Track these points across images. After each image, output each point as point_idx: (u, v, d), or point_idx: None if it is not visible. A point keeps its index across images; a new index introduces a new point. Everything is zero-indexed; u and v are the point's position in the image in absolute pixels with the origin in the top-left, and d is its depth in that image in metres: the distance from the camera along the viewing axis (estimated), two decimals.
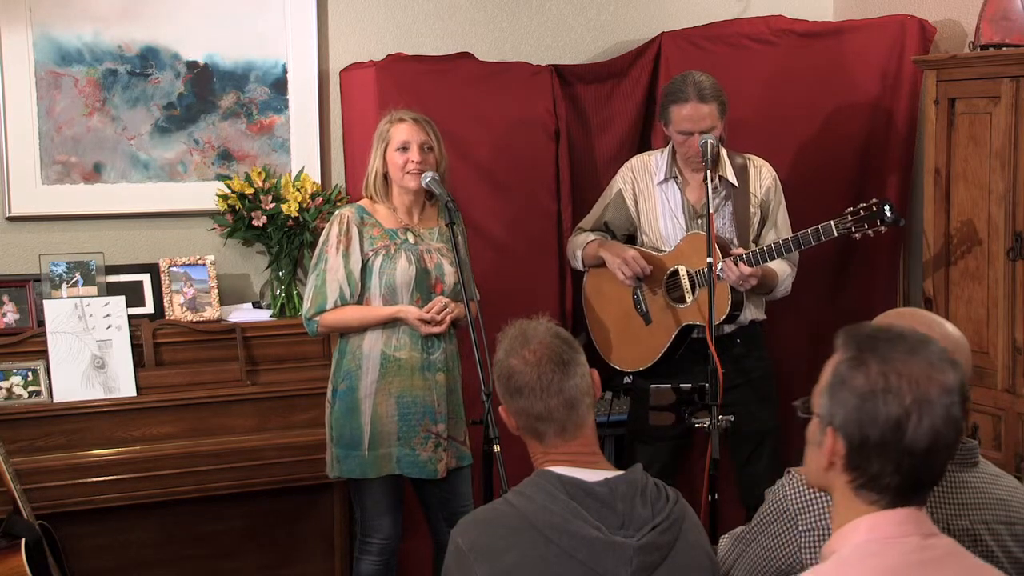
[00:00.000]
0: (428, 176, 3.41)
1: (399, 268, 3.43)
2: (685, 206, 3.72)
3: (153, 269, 3.99)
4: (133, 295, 3.91)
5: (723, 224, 3.69)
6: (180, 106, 4.07)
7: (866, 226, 3.38)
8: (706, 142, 3.52)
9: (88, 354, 3.72)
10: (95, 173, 4.00)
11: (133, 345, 3.76)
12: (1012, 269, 3.59)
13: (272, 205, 3.99)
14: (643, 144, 4.30)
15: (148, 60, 4.02)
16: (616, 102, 4.32)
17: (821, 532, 2.04)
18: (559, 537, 2.01)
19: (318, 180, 4.17)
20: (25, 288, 3.82)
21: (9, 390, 3.65)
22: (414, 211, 3.52)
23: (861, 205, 3.40)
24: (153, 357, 3.81)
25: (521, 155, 4.21)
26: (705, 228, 3.43)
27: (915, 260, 4.35)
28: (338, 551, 4.02)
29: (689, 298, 3.63)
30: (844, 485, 1.70)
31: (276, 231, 4.02)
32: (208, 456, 3.73)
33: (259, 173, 4.05)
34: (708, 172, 3.47)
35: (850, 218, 3.40)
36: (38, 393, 3.67)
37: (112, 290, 3.89)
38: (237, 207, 4.00)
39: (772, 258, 3.53)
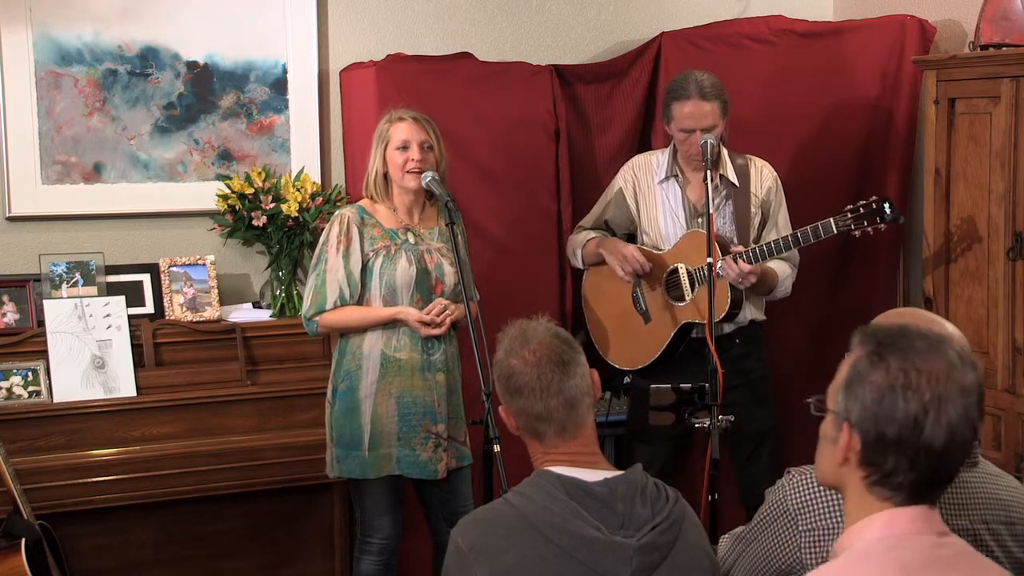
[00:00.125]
0: (428, 176, 3.41)
1: (399, 269, 3.43)
2: (686, 205, 3.72)
3: (153, 269, 3.99)
4: (133, 295, 3.92)
5: (723, 223, 3.70)
6: (180, 106, 4.07)
7: (865, 223, 3.38)
8: (706, 142, 3.52)
9: (88, 354, 3.72)
10: (95, 173, 4.00)
11: (133, 345, 3.77)
12: (1012, 269, 3.59)
13: (272, 205, 3.99)
14: (643, 144, 4.30)
15: (148, 60, 4.02)
16: (616, 102, 4.32)
17: (821, 532, 2.04)
18: (559, 537, 2.01)
19: (318, 180, 4.17)
20: (25, 288, 3.82)
21: (9, 390, 3.65)
22: (414, 211, 3.52)
23: (861, 202, 3.40)
24: (153, 357, 3.81)
25: (521, 155, 4.21)
26: (705, 227, 3.43)
27: (915, 260, 4.35)
28: (338, 551, 4.02)
29: (688, 296, 3.64)
30: (858, 481, 1.70)
31: (276, 231, 4.02)
32: (208, 456, 3.73)
33: (259, 173, 4.05)
34: (708, 172, 3.47)
35: (850, 215, 3.40)
36: (38, 393, 3.67)
37: (112, 290, 3.89)
38: (237, 207, 4.00)
39: (772, 255, 3.54)
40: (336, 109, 4.25)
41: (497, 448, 2.99)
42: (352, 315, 3.44)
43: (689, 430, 3.39)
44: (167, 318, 3.92)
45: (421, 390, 3.44)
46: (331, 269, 3.43)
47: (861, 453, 1.68)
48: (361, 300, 3.46)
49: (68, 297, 3.80)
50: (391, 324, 3.43)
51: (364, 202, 3.54)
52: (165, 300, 3.95)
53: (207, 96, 4.09)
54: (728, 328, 3.68)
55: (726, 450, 3.67)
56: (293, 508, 3.98)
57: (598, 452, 2.18)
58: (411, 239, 3.48)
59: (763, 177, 3.76)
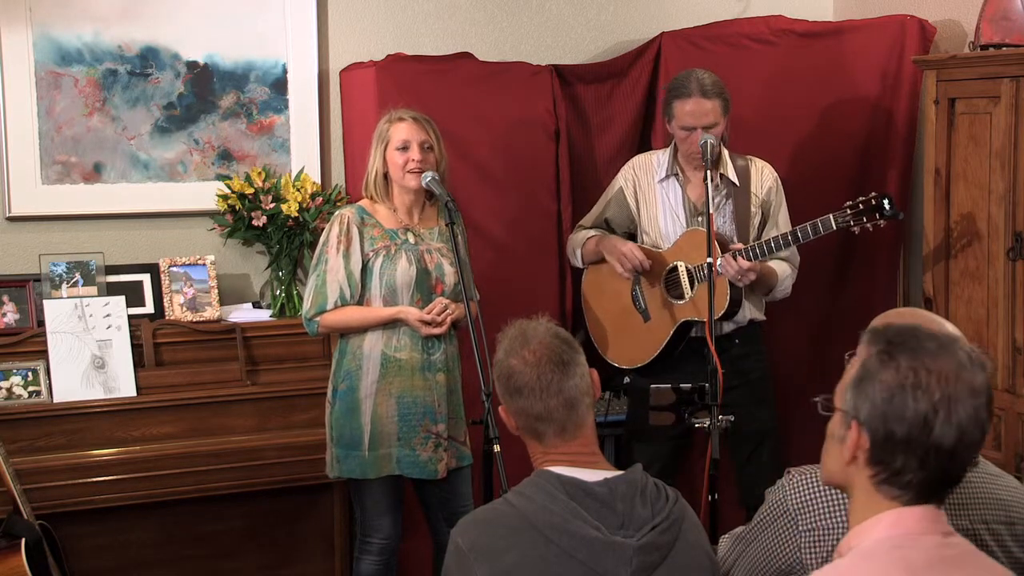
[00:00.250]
0: (428, 176, 3.41)
1: (399, 269, 3.43)
2: (686, 204, 3.73)
3: (153, 269, 3.99)
4: (133, 295, 3.92)
5: (723, 223, 3.70)
6: (180, 106, 4.07)
7: (865, 219, 3.38)
8: (706, 142, 3.52)
9: (88, 354, 3.72)
10: (95, 173, 4.00)
11: (133, 345, 3.77)
12: (1012, 269, 3.59)
13: (272, 205, 3.99)
14: (643, 144, 4.30)
15: (148, 60, 4.02)
16: (616, 102, 4.32)
17: (821, 532, 2.04)
18: (559, 537, 2.01)
19: (318, 180, 4.17)
20: (25, 288, 3.82)
21: (9, 390, 3.65)
22: (414, 211, 3.52)
23: (860, 199, 3.40)
24: (153, 357, 3.81)
25: (521, 155, 4.21)
26: (705, 226, 3.43)
27: (915, 260, 4.35)
28: (338, 551, 4.02)
29: (687, 294, 3.64)
30: (865, 480, 1.70)
31: (276, 231, 4.02)
32: (208, 456, 3.73)
33: (259, 173, 4.05)
34: (708, 172, 3.47)
35: (849, 211, 3.40)
36: (38, 393, 3.67)
37: (112, 290, 3.89)
38: (237, 207, 4.00)
39: (771, 252, 3.54)
40: (336, 109, 4.25)
41: (497, 448, 2.99)
42: (353, 315, 3.44)
43: (689, 430, 3.39)
44: (167, 318, 3.92)
45: (421, 390, 3.44)
46: (331, 269, 3.43)
47: (870, 452, 1.68)
48: (361, 300, 3.46)
49: (68, 297, 3.80)
50: (391, 324, 3.43)
51: (364, 202, 3.54)
52: (165, 300, 3.95)
53: (207, 96, 4.09)
54: (728, 328, 3.68)
55: (726, 450, 3.67)
56: (293, 508, 3.98)
57: (598, 452, 2.18)
58: (411, 239, 3.49)
59: (763, 177, 3.76)
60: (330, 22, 4.22)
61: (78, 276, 3.86)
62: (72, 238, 4.00)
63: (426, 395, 3.44)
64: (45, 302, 3.74)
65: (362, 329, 3.45)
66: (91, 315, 3.75)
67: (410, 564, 3.99)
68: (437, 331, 3.42)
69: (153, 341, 3.81)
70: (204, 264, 4.02)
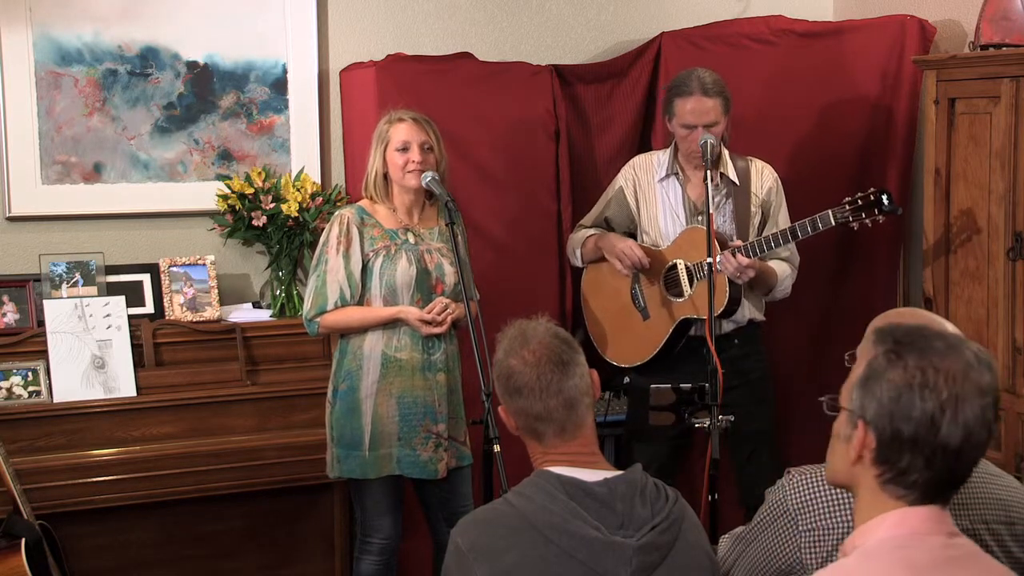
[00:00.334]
0: (428, 176, 3.41)
1: (400, 269, 3.43)
2: (686, 203, 3.73)
3: (153, 269, 3.99)
4: (133, 295, 3.92)
5: (723, 222, 3.70)
6: (180, 106, 4.07)
7: (863, 215, 3.38)
8: (706, 142, 3.52)
9: (88, 354, 3.72)
10: (95, 173, 4.00)
11: (133, 345, 3.77)
12: (1012, 269, 3.59)
13: (272, 205, 3.99)
14: (643, 144, 4.30)
15: (148, 60, 4.02)
16: (616, 102, 4.32)
17: (821, 532, 2.04)
18: (559, 537, 2.01)
19: (318, 180, 4.17)
20: (25, 288, 3.82)
21: (9, 390, 3.65)
22: (414, 211, 3.52)
23: (859, 194, 3.39)
24: (153, 357, 3.81)
25: (521, 155, 4.21)
26: (705, 225, 3.43)
27: (915, 260, 4.35)
28: (338, 551, 4.02)
29: (686, 292, 3.64)
30: (871, 480, 1.70)
31: (276, 231, 4.02)
32: (208, 456, 3.73)
33: (259, 173, 4.05)
34: (708, 172, 3.47)
35: (848, 207, 3.40)
36: (38, 393, 3.67)
37: (112, 290, 3.89)
38: (237, 207, 4.00)
39: (770, 248, 3.53)
40: (336, 109, 4.25)
41: (497, 448, 2.99)
42: (353, 315, 3.44)
43: (689, 430, 3.39)
44: (167, 318, 3.92)
45: (422, 390, 3.44)
46: (331, 270, 3.43)
47: (876, 451, 1.68)
48: (361, 300, 3.46)
49: (68, 297, 3.80)
50: (392, 324, 3.43)
51: (364, 202, 3.54)
52: (165, 300, 3.95)
53: (207, 96, 4.09)
54: (727, 328, 3.68)
55: (726, 450, 3.67)
56: (293, 508, 3.98)
57: (597, 452, 2.18)
58: (411, 239, 3.49)
59: (764, 178, 3.76)
60: (330, 22, 4.22)
61: (78, 276, 3.86)
62: (72, 238, 4.00)
63: (426, 395, 3.44)
64: (45, 302, 3.74)
65: (362, 329, 3.45)
66: (91, 315, 3.75)
67: (410, 564, 3.99)
68: (437, 331, 3.42)
69: (153, 341, 3.81)
70: (204, 264, 4.02)
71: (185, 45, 4.05)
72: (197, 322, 3.92)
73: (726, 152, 3.72)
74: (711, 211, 3.40)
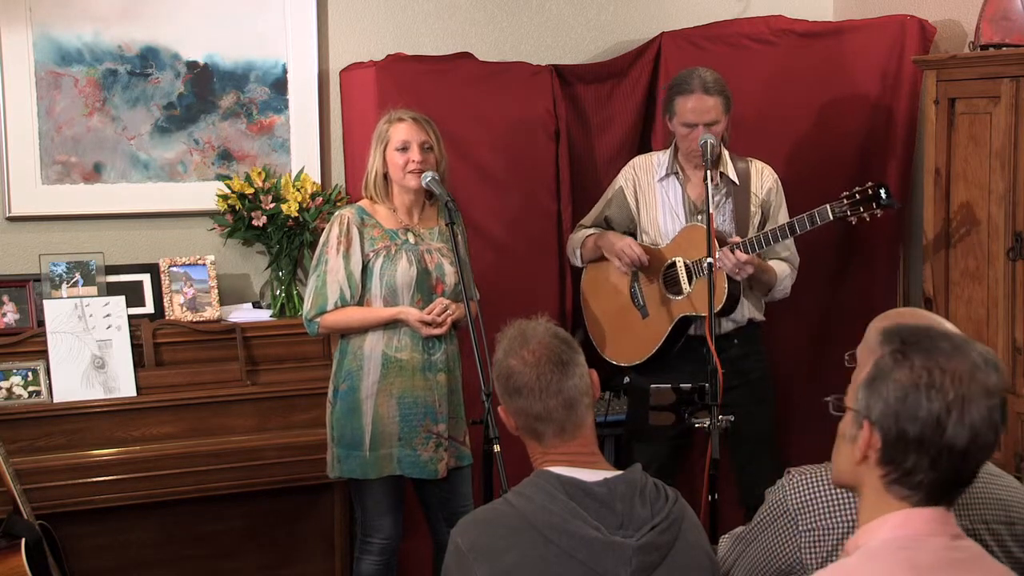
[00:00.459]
0: (428, 176, 3.41)
1: (400, 269, 3.43)
2: (686, 202, 3.73)
3: (153, 269, 3.99)
4: (133, 295, 3.92)
5: (723, 221, 3.70)
6: (180, 106, 4.07)
7: (862, 209, 3.37)
8: (706, 142, 3.52)
9: (88, 354, 3.72)
10: (95, 173, 4.00)
11: (133, 345, 3.77)
12: (1012, 269, 3.59)
13: (272, 205, 4.00)
14: (643, 144, 4.30)
15: (148, 60, 4.02)
16: (616, 102, 4.33)
17: (821, 532, 2.04)
18: (558, 537, 2.01)
19: (318, 180, 4.17)
20: (25, 288, 3.82)
21: (9, 390, 3.65)
22: (414, 211, 3.52)
23: (857, 188, 3.39)
24: (153, 357, 3.81)
25: (521, 155, 4.21)
26: (705, 224, 3.43)
27: (915, 260, 4.35)
28: (338, 551, 4.02)
29: (685, 290, 3.64)
30: (876, 480, 1.70)
31: (276, 231, 4.02)
32: (208, 456, 3.73)
33: (259, 173, 4.05)
34: (708, 172, 3.47)
35: (846, 201, 3.39)
36: (38, 393, 3.67)
37: (112, 290, 3.89)
38: (237, 207, 4.00)
39: (769, 243, 3.53)
40: (336, 109, 4.25)
41: (497, 448, 2.99)
42: (353, 316, 3.44)
43: (689, 430, 3.39)
44: (167, 318, 3.92)
45: (422, 390, 3.44)
46: (331, 270, 3.43)
47: (881, 451, 1.67)
48: (362, 301, 3.46)
49: (68, 297, 3.80)
50: (392, 324, 3.44)
51: (364, 202, 3.54)
52: (165, 300, 3.95)
53: (207, 96, 4.09)
54: (727, 328, 3.68)
55: (726, 450, 3.66)
56: (293, 508, 3.98)
57: (597, 452, 2.18)
58: (411, 239, 3.49)
59: (763, 178, 3.76)
60: (330, 22, 4.22)
61: (78, 276, 3.86)
62: (72, 238, 4.00)
63: (427, 395, 3.44)
64: (45, 302, 3.74)
65: (363, 329, 3.45)
66: (91, 315, 3.75)
67: (410, 564, 3.99)
68: (437, 331, 3.42)
69: (153, 341, 3.81)
70: (204, 264, 4.02)
71: (185, 45, 4.05)
72: (197, 322, 3.92)
73: (726, 152, 3.73)
74: (711, 210, 3.40)
